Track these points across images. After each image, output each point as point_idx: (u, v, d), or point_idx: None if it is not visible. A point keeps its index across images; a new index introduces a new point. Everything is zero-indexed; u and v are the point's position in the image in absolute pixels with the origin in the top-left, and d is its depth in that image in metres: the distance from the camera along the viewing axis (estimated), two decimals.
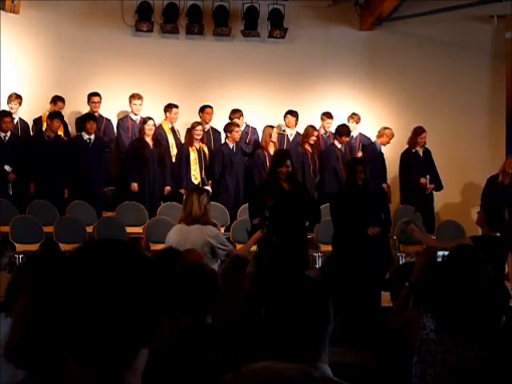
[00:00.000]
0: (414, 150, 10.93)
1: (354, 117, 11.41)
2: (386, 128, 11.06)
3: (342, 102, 11.69)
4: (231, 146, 10.64)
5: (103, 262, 1.33)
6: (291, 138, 11.21)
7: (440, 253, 4.21)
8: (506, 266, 6.31)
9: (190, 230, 6.43)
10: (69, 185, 10.10)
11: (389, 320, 3.83)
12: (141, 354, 1.37)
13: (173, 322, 3.34)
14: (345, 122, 11.39)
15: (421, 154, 10.94)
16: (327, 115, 11.29)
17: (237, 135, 10.62)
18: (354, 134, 11.41)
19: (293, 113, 11.13)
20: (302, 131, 11.19)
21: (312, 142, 10.80)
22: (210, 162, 10.71)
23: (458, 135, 11.62)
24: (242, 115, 11.07)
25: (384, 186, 10.90)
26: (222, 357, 2.93)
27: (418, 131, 10.84)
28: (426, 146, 10.95)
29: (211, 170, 10.66)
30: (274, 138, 10.73)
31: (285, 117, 11.16)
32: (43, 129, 10.39)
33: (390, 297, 4.40)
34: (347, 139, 10.93)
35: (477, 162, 11.54)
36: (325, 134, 11.36)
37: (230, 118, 10.95)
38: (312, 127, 10.92)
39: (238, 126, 10.76)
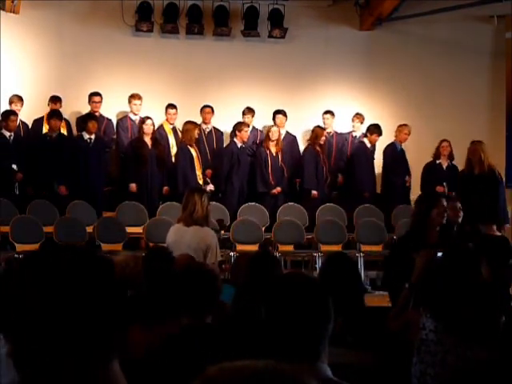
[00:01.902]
0: (438, 162, 10.71)
1: (359, 117, 11.40)
2: (400, 125, 11.04)
3: (342, 101, 11.69)
4: (239, 145, 10.66)
5: (61, 266, 1.32)
6: (282, 138, 11.20)
7: (440, 254, 4.20)
8: None
9: (186, 231, 6.35)
10: (68, 184, 10.08)
11: (388, 321, 3.83)
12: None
13: (173, 322, 3.35)
14: (345, 121, 11.40)
15: (444, 167, 10.71)
16: (326, 112, 11.30)
17: (245, 135, 10.63)
18: (358, 133, 11.43)
19: (282, 112, 11.10)
20: (298, 131, 11.23)
21: (322, 143, 10.79)
22: (212, 160, 10.75)
23: (458, 135, 11.59)
24: (253, 115, 11.10)
25: (406, 179, 10.98)
26: (222, 357, 2.93)
27: (440, 142, 10.70)
28: (454, 162, 10.71)
29: (218, 168, 10.69)
30: (274, 136, 10.73)
31: (275, 117, 11.10)
32: (44, 129, 10.41)
33: (389, 297, 4.40)
34: (377, 139, 10.99)
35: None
36: (328, 133, 11.34)
37: (243, 112, 11.01)
38: (320, 128, 10.91)
39: (247, 125, 10.77)
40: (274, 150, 10.74)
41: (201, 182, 10.41)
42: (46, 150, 9.96)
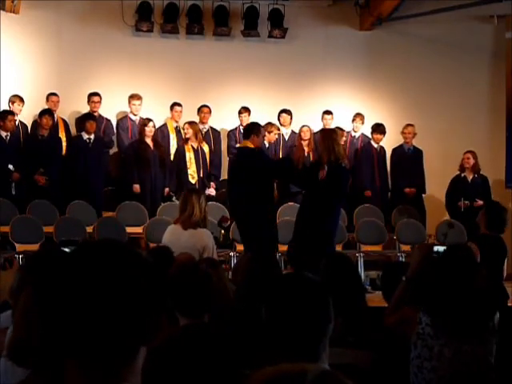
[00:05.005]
0: (463, 175, 10.45)
1: (360, 117, 11.39)
2: (404, 127, 11.02)
3: (342, 101, 11.69)
4: (266, 146, 10.61)
5: (101, 261, 1.35)
6: (287, 138, 11.20)
7: (436, 248, 4.20)
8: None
9: (183, 233, 6.33)
10: (50, 175, 9.98)
11: (385, 317, 3.84)
12: (139, 352, 1.40)
13: (171, 323, 3.34)
14: (345, 121, 11.39)
15: (469, 180, 10.40)
16: (326, 112, 11.29)
17: (274, 137, 10.61)
18: (357, 134, 11.42)
19: (287, 111, 11.12)
20: (297, 130, 11.27)
21: (343, 143, 10.75)
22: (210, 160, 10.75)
23: (458, 135, 11.61)
24: (249, 114, 11.09)
25: (406, 190, 10.70)
26: (221, 356, 2.93)
27: (463, 154, 10.46)
28: (483, 173, 10.47)
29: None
30: (307, 136, 10.74)
31: (279, 116, 11.12)
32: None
33: (383, 295, 4.40)
34: (380, 137, 10.98)
35: None
36: None
37: (239, 112, 11.00)
38: (340, 129, 10.90)
39: (278, 128, 10.73)
40: (306, 149, 10.72)
41: (193, 181, 10.41)
42: (38, 150, 9.91)
